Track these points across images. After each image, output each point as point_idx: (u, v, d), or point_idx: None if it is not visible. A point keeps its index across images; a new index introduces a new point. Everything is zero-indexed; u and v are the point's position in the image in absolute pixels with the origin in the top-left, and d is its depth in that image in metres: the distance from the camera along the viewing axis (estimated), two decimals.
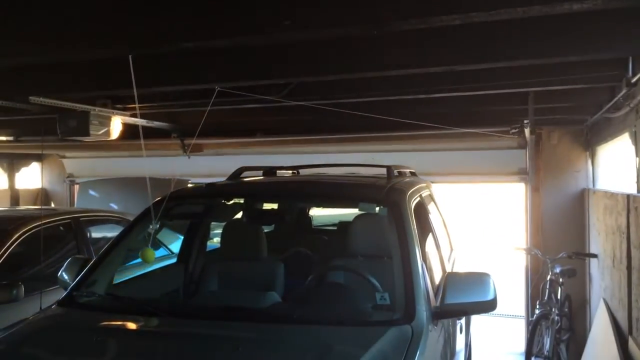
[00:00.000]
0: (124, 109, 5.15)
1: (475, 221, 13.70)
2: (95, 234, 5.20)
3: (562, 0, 2.15)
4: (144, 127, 5.75)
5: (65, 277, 2.99)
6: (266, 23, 2.52)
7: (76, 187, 9.49)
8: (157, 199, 3.38)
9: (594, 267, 5.89)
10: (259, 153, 8.18)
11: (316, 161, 4.94)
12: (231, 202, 3.95)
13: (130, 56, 2.83)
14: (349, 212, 3.73)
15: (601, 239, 5.36)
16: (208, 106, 3.89)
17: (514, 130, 6.36)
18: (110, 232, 5.05)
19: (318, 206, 4.37)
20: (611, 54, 3.25)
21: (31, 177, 10.04)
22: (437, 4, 2.29)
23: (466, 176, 7.41)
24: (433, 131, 5.91)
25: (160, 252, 5.00)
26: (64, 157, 9.69)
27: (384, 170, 3.71)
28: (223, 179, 3.85)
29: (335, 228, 4.96)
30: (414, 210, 3.15)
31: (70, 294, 2.80)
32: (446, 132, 5.83)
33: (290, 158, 7.35)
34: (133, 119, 5.39)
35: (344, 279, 3.08)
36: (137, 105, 3.25)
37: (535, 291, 6.64)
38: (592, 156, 6.59)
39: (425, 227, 3.48)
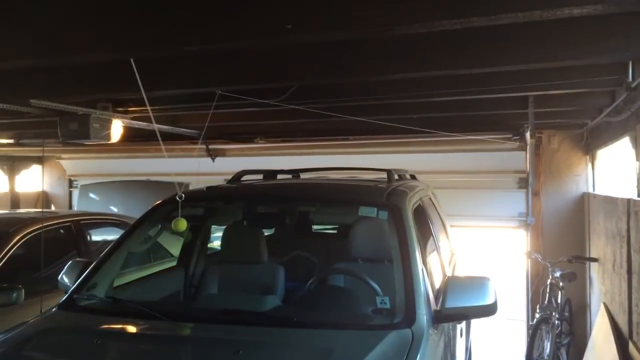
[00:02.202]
0: (125, 112, 5.16)
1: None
2: (96, 237, 5.20)
3: (563, 5, 2.16)
4: (147, 130, 5.78)
5: (66, 280, 2.98)
6: (268, 26, 2.53)
7: None
8: (158, 202, 3.38)
9: (594, 271, 5.89)
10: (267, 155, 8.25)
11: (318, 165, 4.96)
12: (232, 205, 3.95)
13: (132, 60, 2.84)
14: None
15: (601, 243, 5.36)
16: (210, 109, 3.91)
17: (515, 137, 6.40)
18: (111, 235, 5.05)
19: (318, 209, 4.37)
20: (611, 58, 3.26)
21: (32, 179, 10.05)
22: (439, 8, 2.30)
23: (466, 218, 7.28)
24: (434, 137, 5.94)
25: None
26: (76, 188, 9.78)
27: (384, 174, 3.71)
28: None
29: (335, 231, 4.96)
30: (414, 213, 3.15)
31: (70, 297, 2.79)
32: (446, 138, 5.86)
33: (299, 161, 7.44)
34: (136, 122, 5.41)
35: (345, 283, 3.08)
36: (149, 108, 3.26)
37: (535, 295, 6.64)
38: (592, 160, 6.60)
39: (425, 231, 3.48)
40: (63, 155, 9.56)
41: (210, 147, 7.93)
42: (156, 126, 3.93)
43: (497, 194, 7.26)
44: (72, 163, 9.62)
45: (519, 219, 7.17)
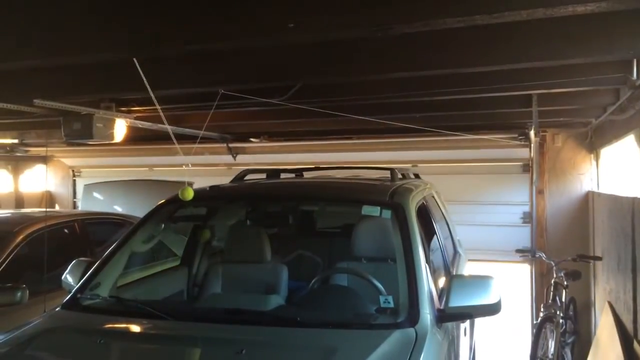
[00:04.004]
0: (128, 112, 5.17)
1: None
2: (100, 236, 5.21)
3: (566, 3, 2.14)
4: (149, 131, 5.79)
5: (69, 279, 2.99)
6: (270, 26, 2.53)
7: None
8: (161, 201, 3.38)
9: (599, 269, 5.87)
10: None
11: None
12: (235, 204, 3.95)
13: (135, 59, 2.84)
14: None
15: (606, 241, 5.34)
16: (214, 109, 3.91)
17: (520, 137, 6.40)
18: (115, 235, 5.05)
19: (322, 208, 4.37)
20: (615, 56, 3.24)
21: (36, 179, 10.07)
22: (441, 7, 2.29)
23: (469, 252, 7.20)
24: (436, 137, 5.92)
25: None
26: None
27: (387, 173, 3.71)
28: None
29: (339, 230, 4.95)
30: (417, 212, 3.14)
31: (74, 296, 2.79)
32: (448, 138, 5.85)
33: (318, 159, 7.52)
34: (139, 121, 5.42)
35: (348, 282, 3.08)
36: (158, 107, 3.26)
37: (539, 294, 6.63)
38: (597, 158, 6.58)
39: (429, 230, 3.47)
40: (82, 170, 9.78)
41: (231, 145, 8.11)
42: (169, 127, 3.94)
43: (502, 228, 7.20)
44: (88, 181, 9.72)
45: (523, 254, 7.10)
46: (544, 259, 6.18)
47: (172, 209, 3.49)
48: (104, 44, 2.75)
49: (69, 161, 9.80)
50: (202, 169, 8.43)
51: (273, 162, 7.75)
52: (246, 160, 8.30)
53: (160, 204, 3.37)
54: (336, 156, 7.75)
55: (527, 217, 7.09)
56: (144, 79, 2.86)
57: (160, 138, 7.02)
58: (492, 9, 2.22)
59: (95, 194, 8.59)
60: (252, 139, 7.65)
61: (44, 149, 8.45)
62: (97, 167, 9.66)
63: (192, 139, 6.60)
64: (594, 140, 6.51)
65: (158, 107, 3.24)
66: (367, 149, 7.64)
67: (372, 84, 4.23)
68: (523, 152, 6.87)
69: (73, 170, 9.88)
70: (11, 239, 4.20)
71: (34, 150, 8.83)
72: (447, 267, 3.63)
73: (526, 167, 7.07)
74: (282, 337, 2.34)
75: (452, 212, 6.22)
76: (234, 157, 8.39)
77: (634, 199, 4.06)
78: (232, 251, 3.46)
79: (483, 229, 7.18)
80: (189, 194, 2.88)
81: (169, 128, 3.77)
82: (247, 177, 3.88)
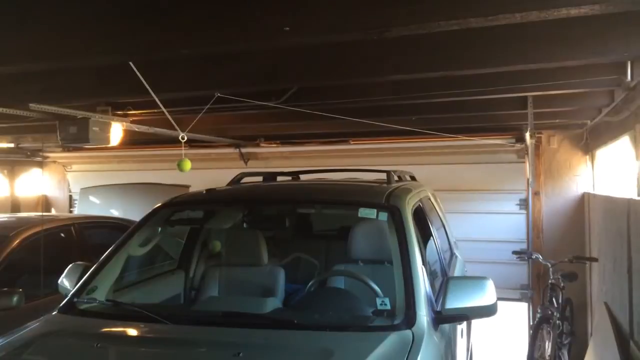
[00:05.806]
0: (124, 116, 5.17)
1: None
2: (96, 240, 5.20)
3: (559, 6, 2.16)
4: (146, 133, 5.79)
5: (66, 283, 2.98)
6: (266, 29, 2.53)
7: None
8: (158, 205, 3.38)
9: (595, 270, 5.89)
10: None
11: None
12: (231, 207, 3.95)
13: (131, 63, 2.85)
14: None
15: (602, 242, 5.35)
16: (212, 112, 3.91)
17: (518, 142, 6.42)
18: (111, 238, 5.04)
19: (318, 211, 4.37)
20: (609, 58, 3.26)
21: (32, 183, 10.04)
22: (436, 9, 2.30)
23: None
24: (434, 140, 5.93)
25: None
26: None
27: (384, 175, 3.71)
28: None
29: (335, 233, 4.96)
30: (414, 214, 3.15)
31: (70, 300, 2.79)
32: (445, 143, 5.86)
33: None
34: (135, 125, 5.42)
35: (345, 284, 3.08)
36: (164, 110, 3.27)
37: (536, 295, 6.64)
38: (592, 160, 6.60)
39: (425, 231, 3.48)
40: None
41: (243, 150, 8.06)
42: (181, 133, 3.94)
43: (498, 265, 7.10)
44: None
45: (521, 290, 7.08)
46: (540, 260, 6.20)
47: (168, 213, 3.49)
48: (103, 48, 2.76)
49: (73, 186, 9.74)
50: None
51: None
52: (258, 167, 8.20)
53: (156, 208, 3.37)
54: (346, 163, 7.71)
55: (523, 255, 7.07)
56: (143, 80, 2.87)
57: (158, 142, 7.02)
58: (487, 12, 2.24)
59: (92, 198, 8.57)
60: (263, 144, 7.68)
61: (44, 153, 8.48)
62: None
63: (191, 141, 6.63)
64: (589, 142, 6.53)
65: (164, 109, 3.25)
66: (378, 156, 7.59)
67: (368, 87, 4.25)
68: (521, 184, 6.85)
69: (71, 197, 9.80)
70: (7, 242, 4.19)
71: (52, 157, 8.81)
72: (444, 269, 3.64)
73: (523, 204, 7.06)
74: (279, 340, 2.35)
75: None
76: (246, 163, 8.23)
77: (629, 200, 4.07)
78: (229, 254, 3.47)
79: (480, 265, 7.13)
80: (187, 165, 2.88)
81: (179, 131, 3.76)
82: (243, 180, 3.88)
